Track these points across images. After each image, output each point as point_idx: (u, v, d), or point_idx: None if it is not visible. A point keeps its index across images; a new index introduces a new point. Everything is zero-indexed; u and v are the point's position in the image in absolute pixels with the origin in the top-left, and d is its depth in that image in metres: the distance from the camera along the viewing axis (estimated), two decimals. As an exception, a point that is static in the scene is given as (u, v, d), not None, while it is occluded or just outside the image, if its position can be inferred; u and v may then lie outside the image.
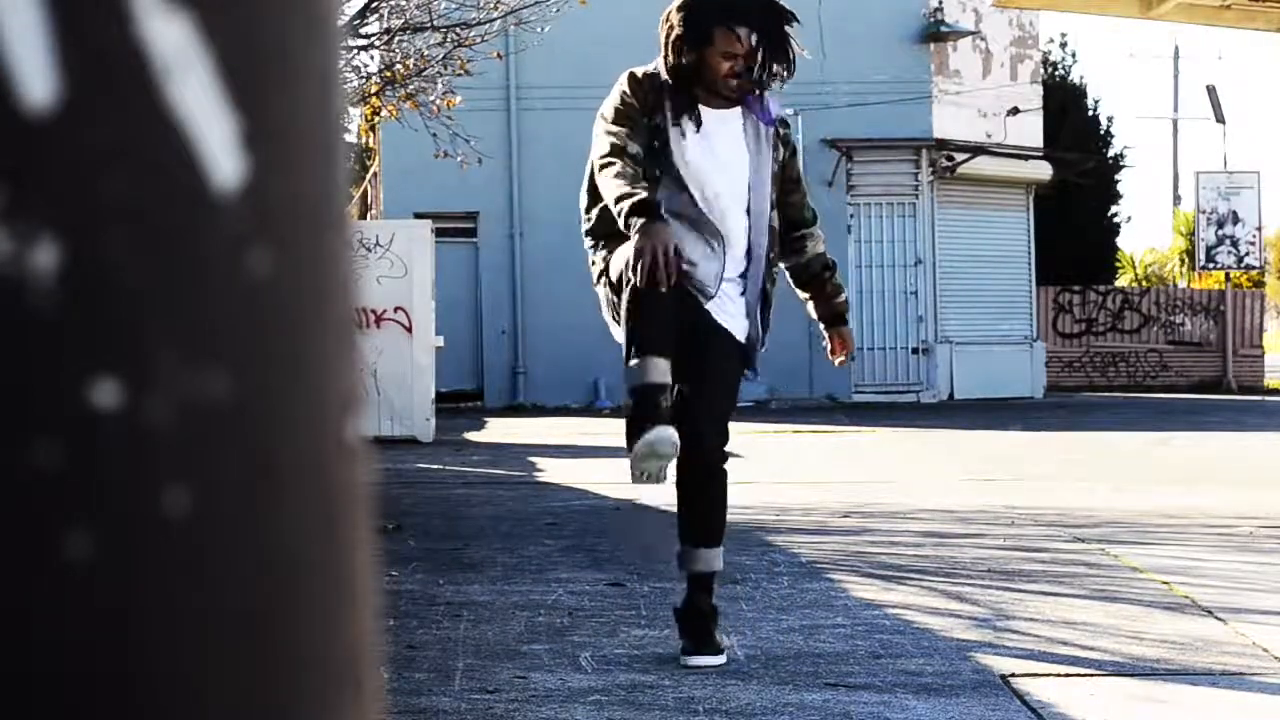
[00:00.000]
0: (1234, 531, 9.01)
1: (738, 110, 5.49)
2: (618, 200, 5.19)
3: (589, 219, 5.50)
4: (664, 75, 5.43)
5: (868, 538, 8.86)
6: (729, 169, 5.47)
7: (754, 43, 5.34)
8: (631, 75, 5.47)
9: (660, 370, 5.16)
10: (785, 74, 5.45)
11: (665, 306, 5.14)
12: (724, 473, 5.50)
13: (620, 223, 5.18)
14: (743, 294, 5.52)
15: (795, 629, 6.07)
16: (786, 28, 5.41)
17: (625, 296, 5.17)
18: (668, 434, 5.13)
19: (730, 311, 5.48)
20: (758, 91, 5.45)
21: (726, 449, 5.50)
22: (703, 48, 5.34)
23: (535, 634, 5.99)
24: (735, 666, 5.41)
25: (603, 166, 5.33)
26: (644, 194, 5.18)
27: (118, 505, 0.58)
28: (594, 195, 5.47)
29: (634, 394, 5.18)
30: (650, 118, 5.41)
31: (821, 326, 5.85)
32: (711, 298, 5.40)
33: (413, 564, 7.81)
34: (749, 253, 5.51)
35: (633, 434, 5.16)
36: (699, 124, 5.43)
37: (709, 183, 5.45)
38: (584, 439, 17.44)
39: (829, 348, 5.86)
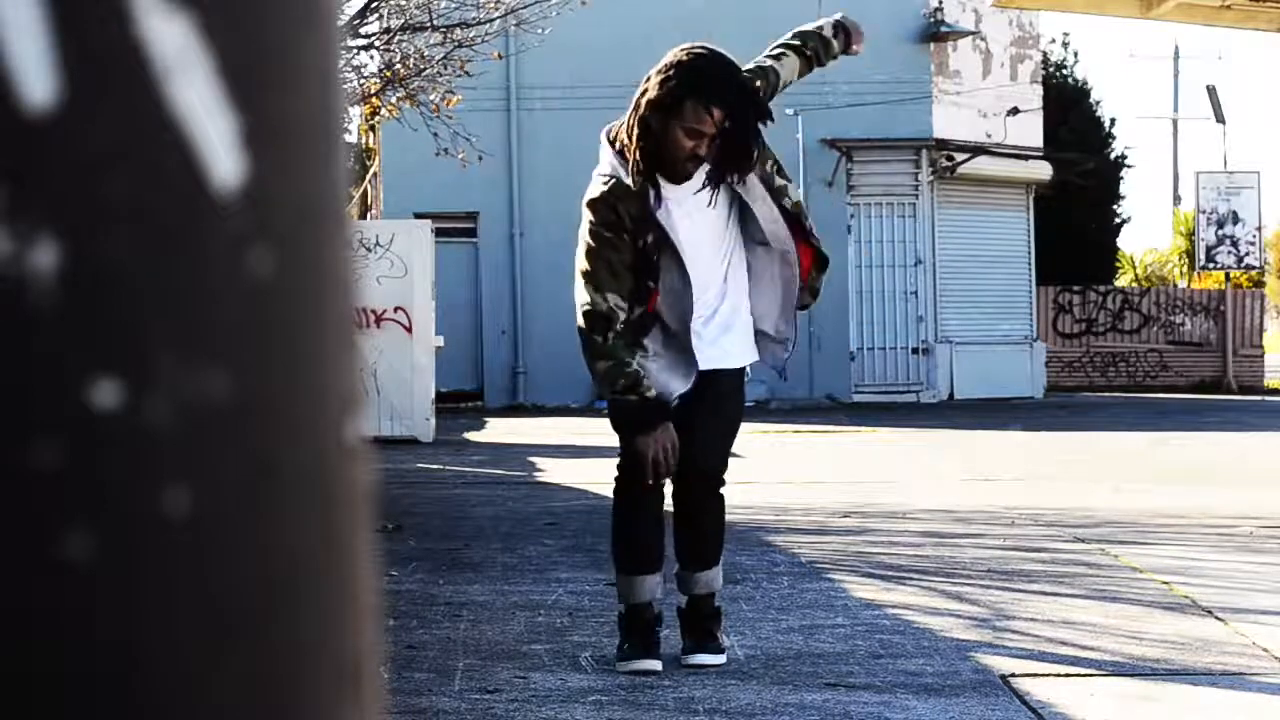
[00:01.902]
0: (1234, 531, 9.01)
1: (699, 175, 5.34)
2: (613, 391, 5.30)
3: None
4: (620, 169, 5.24)
5: (868, 538, 8.86)
6: (709, 230, 5.38)
7: (723, 127, 5.16)
8: (591, 203, 5.27)
9: (645, 589, 5.48)
10: (740, 173, 5.31)
11: (649, 520, 5.46)
12: (720, 499, 5.52)
13: (613, 411, 5.40)
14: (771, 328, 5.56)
15: (795, 629, 6.07)
16: (760, 124, 5.24)
17: (612, 514, 5.57)
18: (650, 666, 5.40)
19: (724, 350, 5.48)
20: (714, 178, 5.31)
21: (724, 474, 5.53)
22: (669, 118, 5.16)
23: (535, 634, 5.99)
24: (735, 666, 5.41)
25: (588, 331, 5.28)
26: (636, 398, 5.25)
27: (118, 505, 0.58)
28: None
29: (621, 617, 5.54)
30: (642, 232, 5.26)
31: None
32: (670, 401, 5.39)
33: (413, 564, 7.81)
34: (783, 291, 5.52)
35: (621, 647, 5.49)
36: (661, 197, 5.30)
37: (699, 257, 5.37)
38: (584, 439, 17.44)
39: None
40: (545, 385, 25.50)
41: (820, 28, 5.88)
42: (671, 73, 5.18)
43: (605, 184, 5.26)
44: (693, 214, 5.35)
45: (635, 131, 5.21)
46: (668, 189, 5.30)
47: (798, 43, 5.79)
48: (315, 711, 0.63)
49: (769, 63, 5.66)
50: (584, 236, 5.29)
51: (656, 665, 5.39)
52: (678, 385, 5.38)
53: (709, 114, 5.14)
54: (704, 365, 5.41)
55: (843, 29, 5.92)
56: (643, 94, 5.23)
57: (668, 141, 5.18)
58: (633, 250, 5.26)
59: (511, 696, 5.01)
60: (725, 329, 5.48)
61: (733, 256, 5.47)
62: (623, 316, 5.26)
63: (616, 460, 5.55)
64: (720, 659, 5.42)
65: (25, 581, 0.57)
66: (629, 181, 5.22)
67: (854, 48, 5.97)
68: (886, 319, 26.55)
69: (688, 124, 5.15)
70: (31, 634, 0.57)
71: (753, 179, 5.39)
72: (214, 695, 0.60)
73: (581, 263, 5.29)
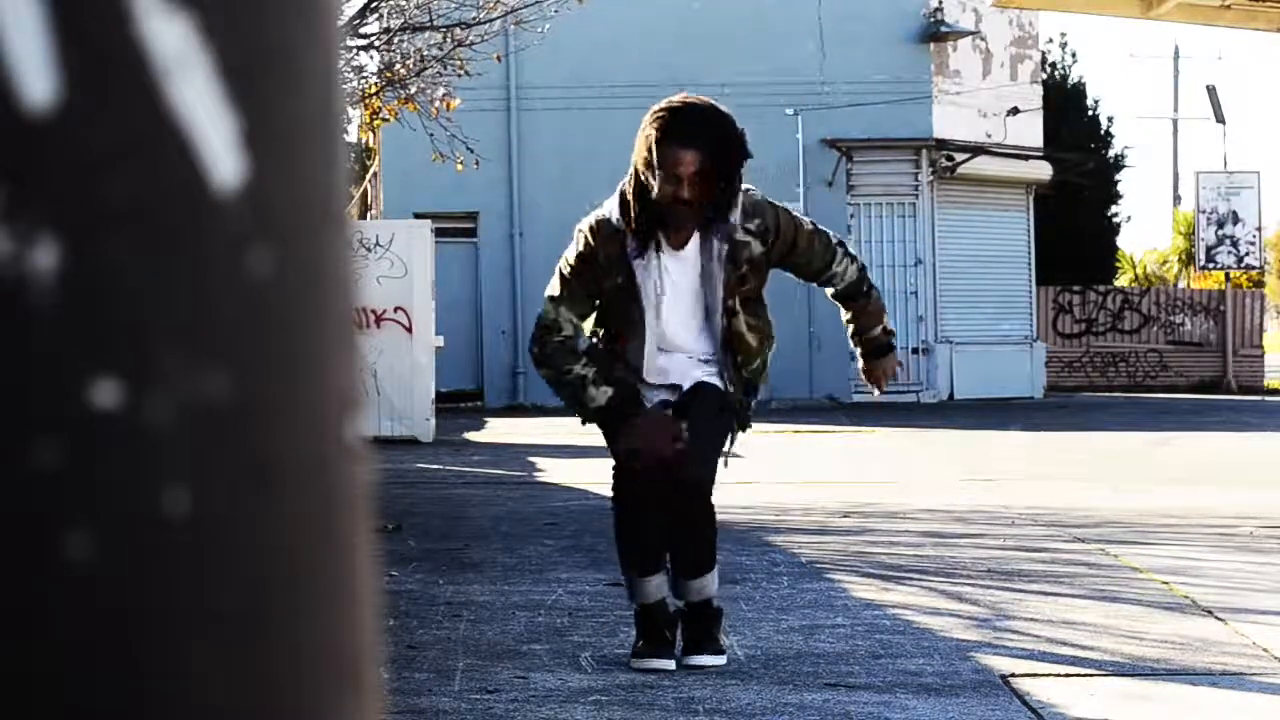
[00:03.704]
0: (1234, 531, 9.01)
1: (695, 237, 5.43)
2: (564, 401, 5.58)
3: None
4: (617, 214, 5.38)
5: (868, 538, 8.86)
6: (684, 295, 5.46)
7: (702, 167, 5.23)
8: (578, 231, 5.48)
9: (651, 589, 5.48)
10: (728, 206, 5.35)
11: (649, 521, 5.44)
12: (708, 508, 5.48)
13: (585, 413, 5.55)
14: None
15: (795, 629, 6.07)
16: (741, 159, 5.29)
17: (613, 516, 5.58)
18: (662, 665, 5.42)
19: (700, 376, 5.52)
20: (709, 218, 5.36)
21: (712, 485, 5.50)
22: (651, 167, 5.27)
23: (535, 634, 5.99)
24: (735, 666, 5.41)
25: (531, 341, 5.59)
26: (584, 410, 5.50)
27: (118, 505, 0.58)
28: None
29: (637, 614, 5.55)
30: (611, 274, 5.40)
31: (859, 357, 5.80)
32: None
33: (413, 564, 7.81)
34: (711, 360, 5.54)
35: (635, 644, 5.52)
36: (658, 252, 5.40)
37: (669, 316, 5.45)
38: (584, 439, 17.40)
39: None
40: (545, 385, 25.43)
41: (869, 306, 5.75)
42: (649, 121, 5.32)
43: (595, 220, 5.46)
44: (677, 278, 5.46)
45: (632, 188, 5.35)
46: (665, 250, 5.44)
47: (862, 291, 5.72)
48: (315, 711, 0.63)
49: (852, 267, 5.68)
50: (561, 259, 5.54)
51: (669, 665, 5.41)
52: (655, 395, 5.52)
53: (684, 156, 5.22)
54: (684, 383, 5.50)
55: (872, 338, 5.77)
56: (636, 151, 5.37)
57: (656, 193, 5.28)
58: (597, 286, 5.45)
59: (511, 696, 5.01)
60: (697, 366, 5.55)
61: (720, 334, 5.50)
62: (567, 331, 5.47)
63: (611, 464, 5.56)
64: (720, 660, 5.42)
65: (25, 581, 0.57)
66: (617, 225, 5.39)
67: (873, 380, 5.77)
68: (886, 319, 26.52)
69: (666, 169, 5.24)
70: (31, 634, 0.57)
71: (718, 275, 5.44)
72: (214, 695, 0.60)
73: (551, 282, 5.57)
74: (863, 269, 5.69)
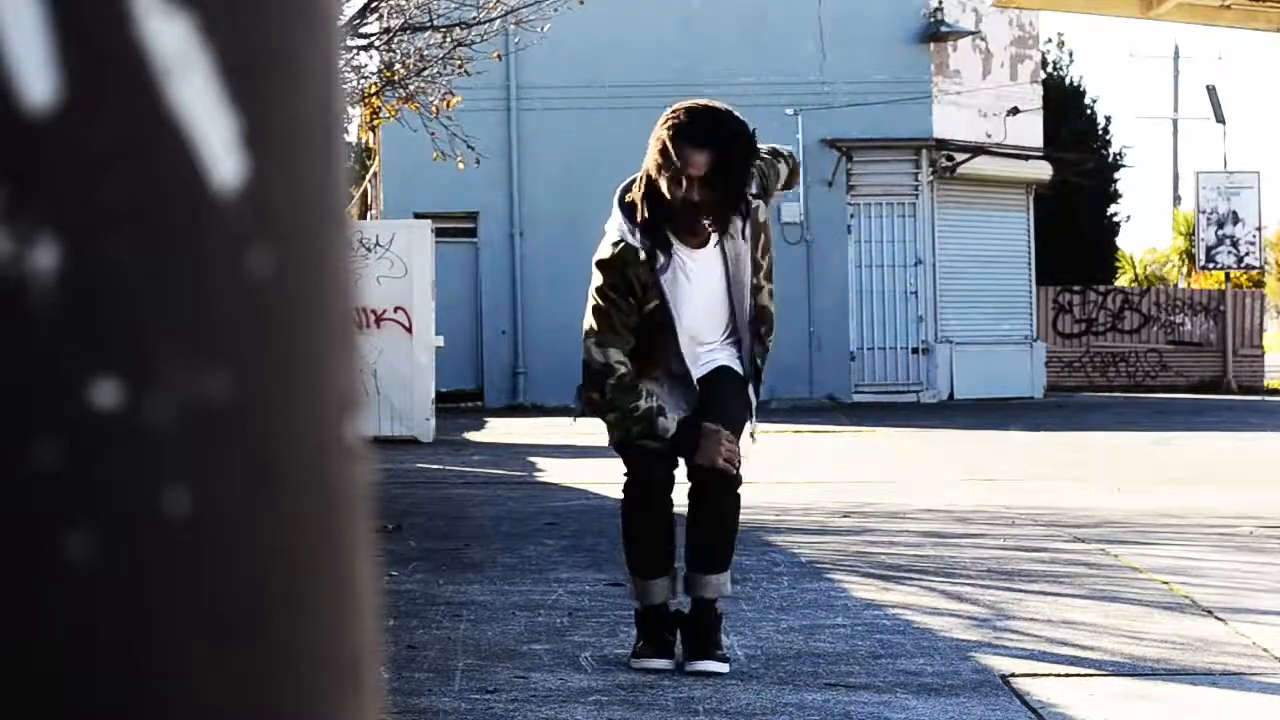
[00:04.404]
0: (1234, 531, 9.01)
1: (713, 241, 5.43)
2: (633, 439, 5.37)
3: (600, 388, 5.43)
4: (628, 232, 5.31)
5: (868, 538, 8.86)
6: (708, 291, 5.45)
7: (710, 169, 5.18)
8: (600, 264, 5.36)
9: (657, 592, 5.52)
10: (742, 208, 5.34)
11: (659, 524, 5.48)
12: (736, 498, 5.50)
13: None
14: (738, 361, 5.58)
15: (795, 629, 6.07)
16: (750, 156, 5.25)
17: (621, 518, 5.57)
18: (661, 665, 5.45)
19: (714, 361, 5.54)
20: (719, 221, 5.32)
21: (740, 473, 5.49)
22: (663, 169, 5.23)
23: (535, 634, 5.99)
24: (735, 667, 5.41)
25: (586, 388, 5.40)
26: (656, 444, 5.34)
27: (118, 505, 0.58)
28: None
29: (638, 613, 5.58)
30: (649, 298, 5.35)
31: None
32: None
33: (413, 564, 7.81)
34: (737, 341, 5.54)
35: (636, 644, 5.56)
36: (670, 257, 5.35)
37: (691, 315, 5.42)
38: (584, 439, 17.42)
39: None
40: (545, 385, 25.48)
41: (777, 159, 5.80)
42: (662, 123, 5.28)
43: (615, 246, 5.35)
44: (701, 276, 5.43)
45: (642, 188, 5.30)
46: (680, 250, 5.38)
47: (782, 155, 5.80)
48: (315, 711, 0.63)
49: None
50: (592, 294, 5.39)
51: (668, 664, 5.42)
52: (679, 411, 5.46)
53: (693, 157, 5.18)
54: (699, 373, 5.50)
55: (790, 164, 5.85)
56: (649, 152, 5.32)
57: (664, 199, 5.25)
58: (639, 313, 5.37)
59: (511, 696, 5.01)
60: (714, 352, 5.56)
61: (738, 321, 5.52)
62: (621, 371, 5.36)
63: (623, 469, 5.53)
64: (724, 667, 5.39)
65: (25, 581, 0.57)
66: (637, 245, 5.31)
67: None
68: (886, 319, 26.54)
69: (674, 170, 5.20)
70: (31, 634, 0.57)
71: (745, 255, 5.44)
72: (214, 695, 0.60)
73: (587, 320, 5.40)
74: (787, 155, 5.76)
